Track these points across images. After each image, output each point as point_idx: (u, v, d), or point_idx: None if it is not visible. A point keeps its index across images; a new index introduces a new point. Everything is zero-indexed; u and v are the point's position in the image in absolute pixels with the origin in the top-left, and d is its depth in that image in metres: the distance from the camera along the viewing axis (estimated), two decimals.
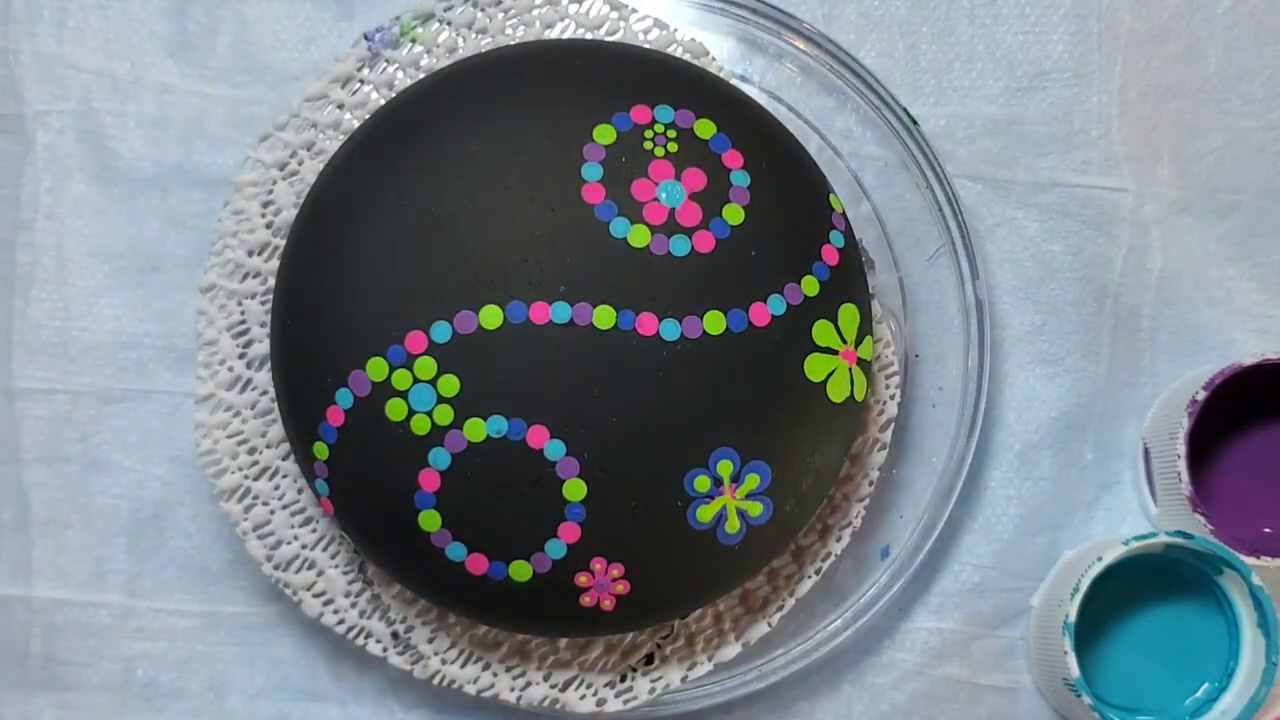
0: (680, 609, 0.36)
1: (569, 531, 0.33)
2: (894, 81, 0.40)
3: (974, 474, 0.40)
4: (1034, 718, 0.40)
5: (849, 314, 0.35)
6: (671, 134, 0.34)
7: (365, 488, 0.34)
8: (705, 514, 0.33)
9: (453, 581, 0.33)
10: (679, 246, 0.33)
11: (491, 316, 0.32)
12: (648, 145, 0.34)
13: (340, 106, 0.37)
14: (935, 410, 0.39)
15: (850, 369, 0.34)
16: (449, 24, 0.38)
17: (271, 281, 0.36)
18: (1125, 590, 0.38)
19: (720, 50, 0.39)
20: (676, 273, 0.33)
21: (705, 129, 0.34)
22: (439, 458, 0.33)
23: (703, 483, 0.33)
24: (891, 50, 0.40)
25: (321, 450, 0.34)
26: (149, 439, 0.39)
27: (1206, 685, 0.38)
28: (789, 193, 0.35)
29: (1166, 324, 0.41)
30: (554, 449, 0.32)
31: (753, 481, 0.33)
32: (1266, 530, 0.39)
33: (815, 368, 0.34)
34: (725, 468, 0.33)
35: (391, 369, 0.33)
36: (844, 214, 0.36)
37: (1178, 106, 0.41)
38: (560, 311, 0.32)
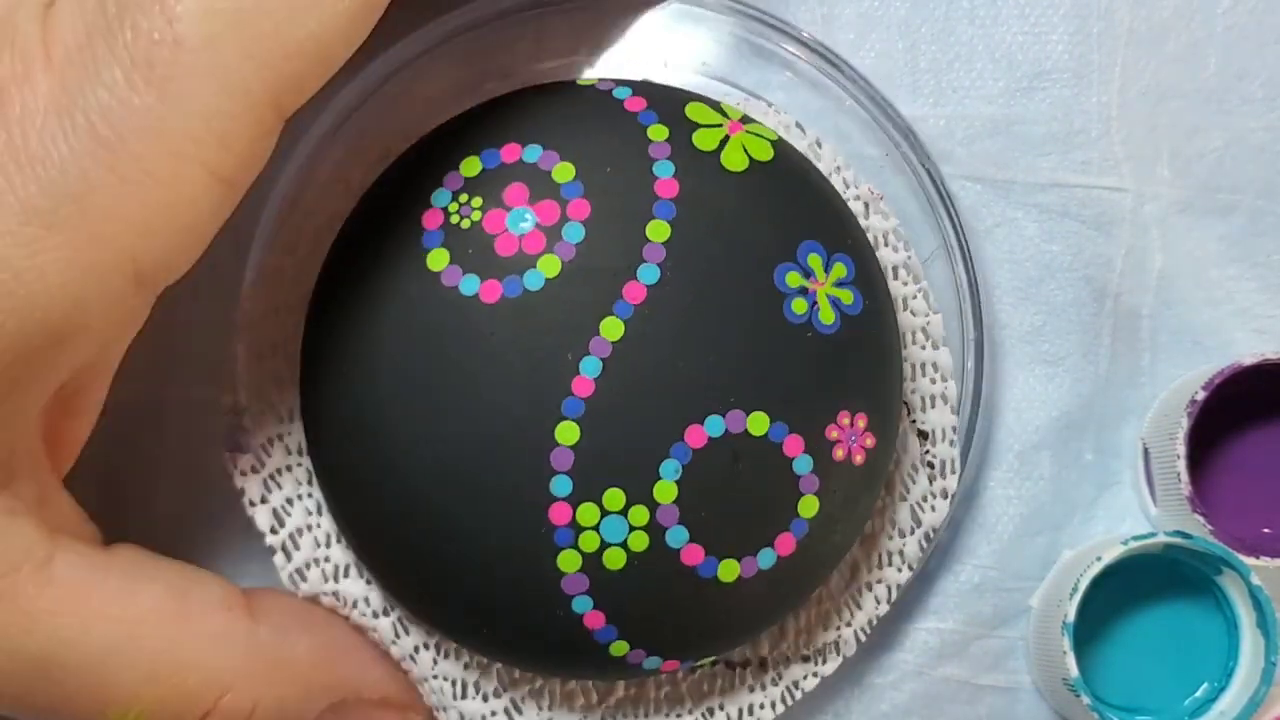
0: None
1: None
2: (893, 81, 0.40)
3: (973, 475, 0.40)
4: (1033, 718, 0.40)
5: (696, 109, 0.35)
6: (463, 198, 0.33)
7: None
8: (799, 306, 0.33)
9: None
10: (572, 233, 0.33)
11: (613, 328, 0.32)
12: (464, 224, 0.33)
13: None
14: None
15: (739, 137, 0.34)
16: None
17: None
18: (1124, 590, 0.38)
19: (707, 54, 0.39)
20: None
21: (471, 166, 0.34)
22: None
23: (794, 278, 0.33)
24: (891, 50, 0.40)
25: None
26: None
27: (1206, 685, 0.38)
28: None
29: (1166, 324, 0.41)
30: (714, 425, 0.32)
31: (841, 270, 0.34)
32: (1266, 530, 0.39)
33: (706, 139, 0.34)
34: (815, 260, 0.34)
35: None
36: (609, 79, 0.36)
37: (1177, 106, 0.41)
38: (590, 365, 0.32)
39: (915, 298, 0.38)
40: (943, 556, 0.40)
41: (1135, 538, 0.37)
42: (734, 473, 0.32)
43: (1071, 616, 0.36)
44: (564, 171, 0.33)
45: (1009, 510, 0.40)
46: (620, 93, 0.35)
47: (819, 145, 0.38)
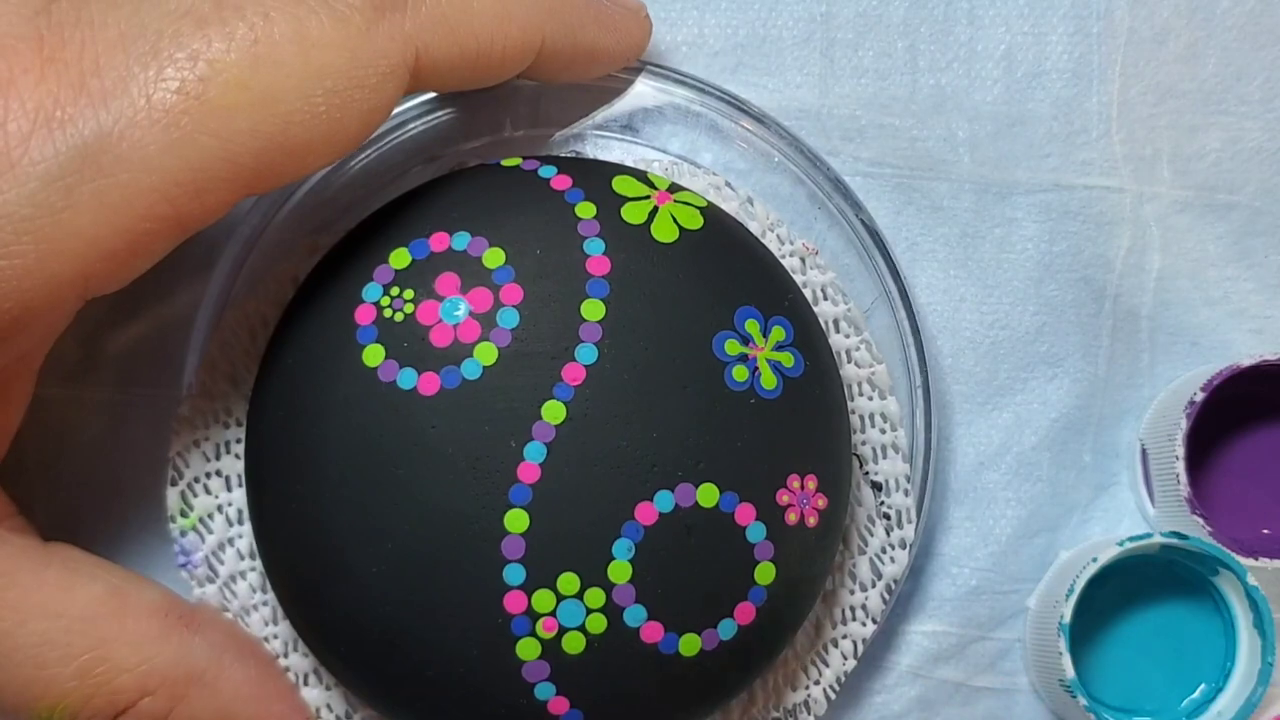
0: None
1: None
2: (892, 82, 0.40)
3: (972, 477, 0.40)
4: (1030, 719, 0.40)
5: (623, 183, 0.35)
6: (394, 291, 0.33)
7: None
8: (740, 374, 0.33)
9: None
10: (506, 319, 0.32)
11: (555, 412, 0.32)
12: (396, 316, 0.32)
13: None
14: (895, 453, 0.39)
15: (667, 208, 0.34)
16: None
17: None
18: (1121, 591, 0.38)
19: (634, 119, 0.39)
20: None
21: (400, 259, 0.33)
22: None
23: (732, 345, 0.33)
24: (890, 50, 0.40)
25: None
26: None
27: (1203, 686, 0.38)
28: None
29: (1165, 324, 0.41)
30: (663, 501, 0.32)
31: (779, 334, 0.34)
32: (1265, 531, 0.39)
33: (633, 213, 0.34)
34: (753, 326, 0.33)
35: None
36: (533, 158, 0.36)
37: (1177, 106, 0.41)
38: (534, 451, 0.32)
39: (858, 349, 0.38)
40: (940, 559, 0.40)
41: (1132, 539, 0.37)
42: (687, 547, 0.32)
43: (1068, 617, 0.36)
44: (494, 257, 0.33)
45: (1007, 512, 0.40)
46: (545, 171, 0.35)
47: (750, 204, 0.38)
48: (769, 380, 0.33)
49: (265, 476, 0.34)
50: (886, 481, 0.38)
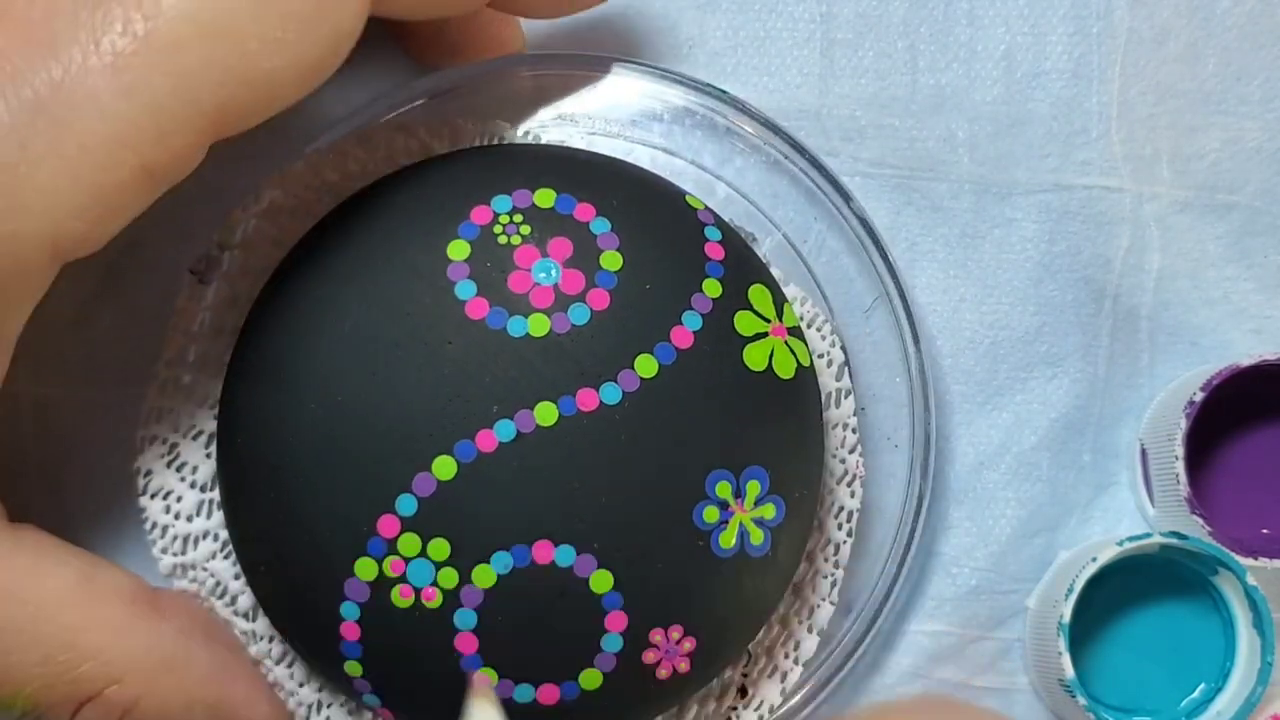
0: (749, 632, 0.35)
1: (615, 621, 0.32)
2: (892, 82, 0.40)
3: (972, 477, 0.40)
4: (1030, 719, 0.40)
5: (760, 294, 0.34)
6: (518, 218, 0.33)
7: (413, 677, 0.33)
8: (727, 539, 0.33)
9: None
10: (578, 315, 0.32)
11: (445, 467, 0.31)
12: (501, 240, 0.33)
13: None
14: (895, 452, 0.39)
15: (786, 342, 0.34)
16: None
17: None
18: (1121, 591, 0.38)
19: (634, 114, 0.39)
20: (587, 339, 0.32)
21: (545, 198, 0.33)
22: (465, 618, 0.32)
23: (712, 513, 0.32)
24: (890, 50, 0.40)
25: (355, 668, 0.33)
26: None
27: (1202, 686, 0.38)
28: (651, 214, 0.34)
29: (1164, 324, 0.41)
30: (564, 555, 0.32)
31: (755, 489, 0.33)
32: (1265, 531, 0.39)
33: (755, 357, 0.33)
34: (724, 488, 0.33)
35: (380, 561, 0.32)
36: (707, 208, 0.35)
37: (1177, 106, 0.41)
38: (504, 429, 0.31)
39: (826, 577, 0.37)
40: (940, 559, 0.40)
41: (1131, 538, 0.37)
42: (551, 605, 0.32)
43: (1067, 617, 0.36)
44: (612, 260, 0.33)
45: (1006, 512, 0.40)
46: (711, 232, 0.35)
47: (845, 396, 0.38)
48: (729, 539, 0.33)
49: (271, 319, 0.34)
50: (753, 695, 0.37)
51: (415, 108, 0.38)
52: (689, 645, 0.33)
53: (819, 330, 0.38)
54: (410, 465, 0.32)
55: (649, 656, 0.33)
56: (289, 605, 0.34)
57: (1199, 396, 0.37)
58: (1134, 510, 0.40)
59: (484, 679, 0.32)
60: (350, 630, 0.32)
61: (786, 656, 0.37)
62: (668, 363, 0.32)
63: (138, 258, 0.39)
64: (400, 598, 0.32)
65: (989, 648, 0.40)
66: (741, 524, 0.33)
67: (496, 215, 0.33)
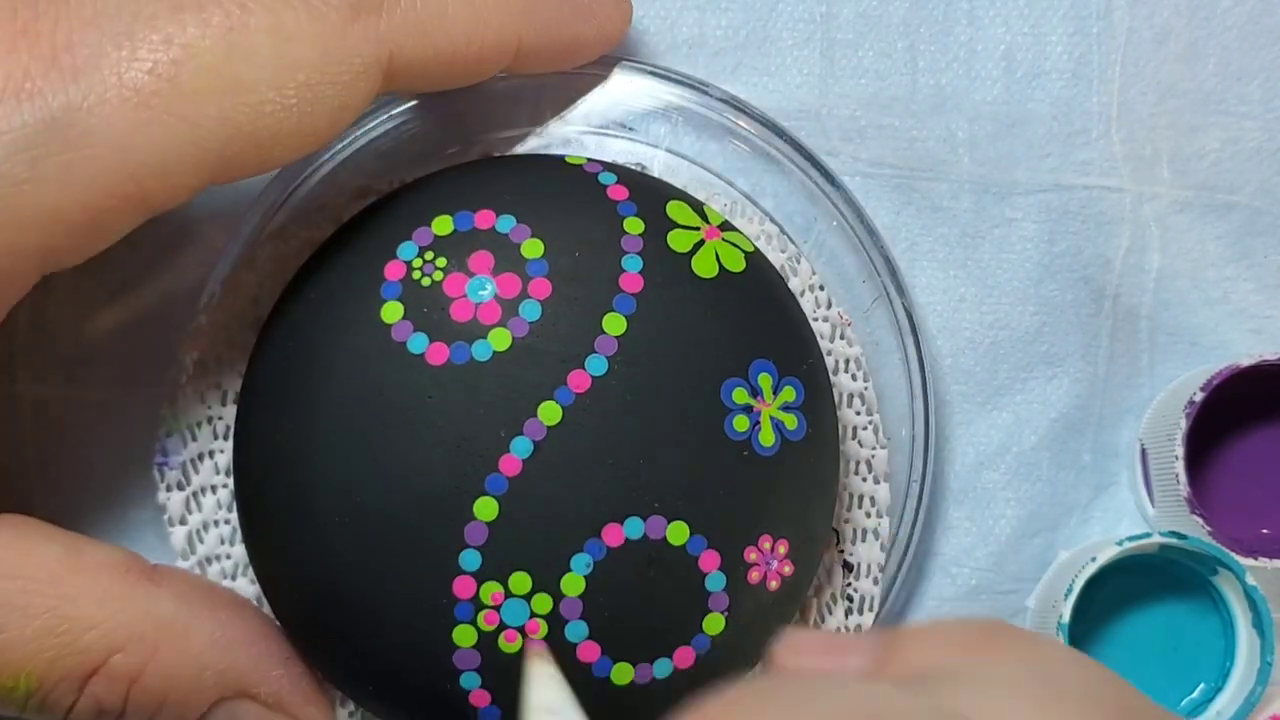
0: (826, 513, 0.35)
1: (709, 560, 0.32)
2: (892, 82, 0.40)
3: (971, 477, 0.40)
4: None
5: (678, 209, 0.34)
6: (429, 255, 0.33)
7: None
8: (766, 438, 0.33)
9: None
10: (530, 311, 0.32)
11: (487, 508, 0.31)
12: (425, 283, 0.32)
13: None
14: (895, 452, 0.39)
15: (723, 239, 0.34)
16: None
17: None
18: (1120, 591, 0.38)
19: (703, 151, 0.39)
20: (550, 327, 0.32)
21: (443, 225, 0.33)
22: (576, 630, 0.32)
23: (741, 421, 0.33)
24: (891, 50, 0.40)
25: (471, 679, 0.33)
26: None
27: (1202, 685, 0.38)
28: (545, 189, 0.34)
29: (1164, 324, 0.41)
30: (633, 527, 0.32)
31: (767, 381, 0.33)
32: (1265, 531, 0.39)
33: (703, 265, 0.34)
34: (741, 394, 0.33)
35: (474, 623, 0.32)
36: (590, 159, 0.35)
37: (1177, 106, 0.41)
38: (520, 446, 0.32)
39: (865, 429, 0.38)
40: (940, 559, 0.40)
41: (1130, 538, 0.37)
42: (645, 578, 0.32)
43: (1067, 617, 0.36)
44: (533, 247, 0.33)
45: (1006, 512, 0.40)
46: (605, 178, 0.35)
47: (797, 261, 0.38)
48: (768, 437, 0.33)
49: (256, 401, 0.34)
50: (859, 565, 0.37)
51: (410, 107, 0.38)
52: (782, 548, 0.33)
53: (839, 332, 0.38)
54: (456, 524, 0.31)
55: (753, 576, 0.33)
56: (408, 702, 0.33)
57: (1199, 396, 0.37)
58: (1134, 510, 0.40)
59: (538, 644, 0.32)
60: (481, 698, 0.32)
61: (869, 515, 0.37)
62: (631, 312, 0.32)
63: (138, 259, 0.39)
64: (508, 644, 0.32)
65: None
66: (772, 418, 0.33)
67: (409, 263, 0.33)
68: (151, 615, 0.32)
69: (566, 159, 0.35)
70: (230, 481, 0.36)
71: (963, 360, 0.40)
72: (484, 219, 0.33)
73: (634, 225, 0.33)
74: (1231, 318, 0.41)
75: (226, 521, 0.36)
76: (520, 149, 0.38)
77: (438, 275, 0.32)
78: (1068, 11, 0.41)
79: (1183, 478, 0.37)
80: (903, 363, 0.39)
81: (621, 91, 0.39)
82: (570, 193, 0.34)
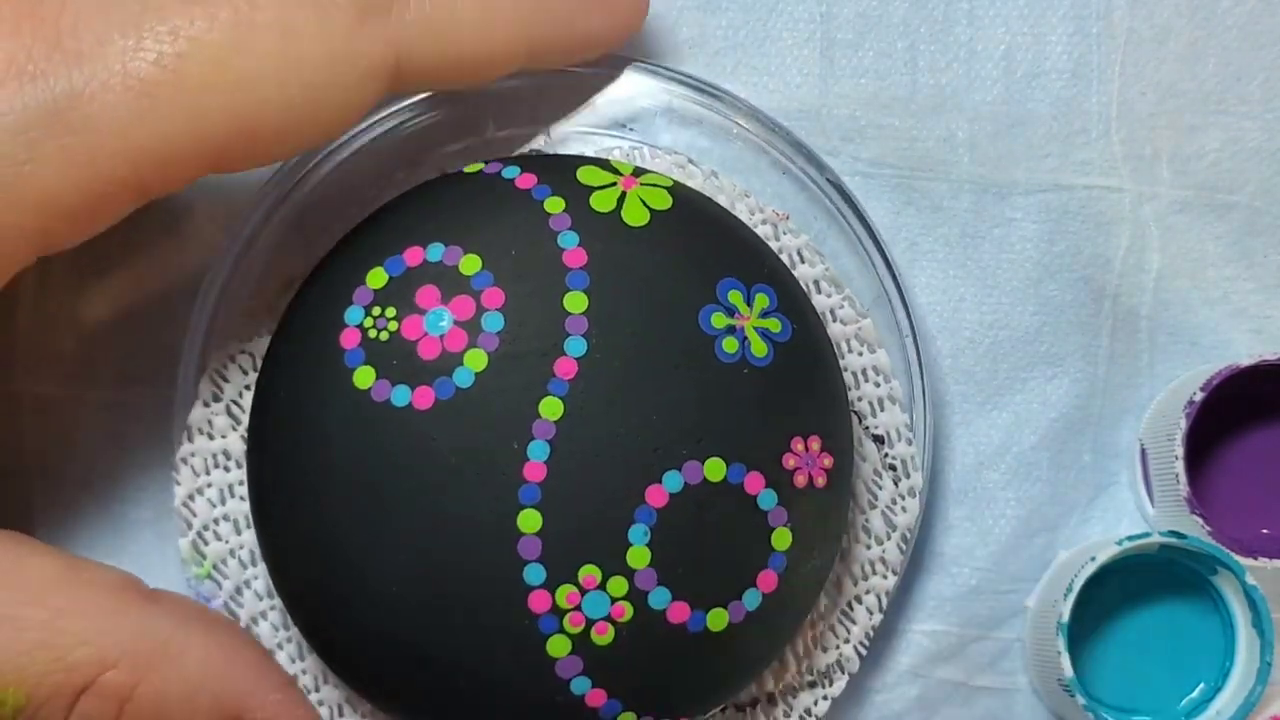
0: (844, 414, 0.35)
1: (754, 482, 0.33)
2: (892, 82, 0.40)
3: (971, 477, 0.40)
4: (1030, 718, 0.40)
5: (589, 173, 0.35)
6: (375, 311, 0.33)
7: (663, 678, 0.33)
8: (740, 347, 0.33)
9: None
10: (492, 323, 0.32)
11: (530, 521, 0.32)
12: (383, 337, 0.32)
13: None
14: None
15: (641, 184, 0.35)
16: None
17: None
18: (1120, 591, 0.38)
19: (629, 112, 0.39)
20: (517, 329, 0.32)
21: (377, 279, 0.33)
22: (659, 597, 0.32)
23: (731, 344, 0.33)
24: (890, 50, 0.40)
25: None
26: None
27: (1202, 685, 0.38)
28: (459, 203, 0.34)
29: (1164, 324, 0.41)
30: (672, 481, 0.32)
31: (737, 296, 0.34)
32: (1264, 531, 0.39)
33: (633, 215, 0.34)
34: (720, 319, 0.33)
35: (563, 631, 0.32)
36: (488, 160, 0.35)
37: (1177, 106, 0.41)
38: (537, 450, 0.32)
39: (842, 307, 0.38)
40: (939, 559, 0.40)
41: (1130, 538, 0.37)
42: (702, 522, 0.32)
43: (1066, 617, 0.36)
44: (470, 263, 0.33)
45: (1006, 512, 0.40)
46: (509, 172, 0.35)
47: (715, 177, 0.38)
48: (759, 348, 0.33)
49: (272, 513, 0.34)
50: (888, 433, 0.38)
51: (410, 104, 0.38)
52: (815, 444, 0.33)
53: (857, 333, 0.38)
54: (507, 546, 0.31)
55: (799, 480, 0.33)
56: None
57: (1199, 396, 0.37)
58: (1134, 510, 0.40)
59: None
60: (596, 697, 0.32)
61: (877, 385, 0.38)
62: (586, 285, 0.32)
63: (138, 259, 0.39)
64: (600, 636, 0.32)
65: (989, 647, 0.40)
66: (756, 328, 0.33)
67: (361, 325, 0.33)
68: (147, 634, 0.32)
69: (465, 170, 0.35)
70: (276, 602, 0.36)
71: (962, 360, 0.40)
72: (413, 256, 0.33)
73: (554, 205, 0.34)
74: (1231, 318, 0.41)
75: (289, 640, 0.37)
76: (520, 149, 0.38)
77: (392, 326, 0.32)
78: (1068, 12, 0.41)
79: (1182, 478, 0.37)
80: (902, 362, 0.39)
81: (621, 91, 0.39)
82: (483, 200, 0.34)
